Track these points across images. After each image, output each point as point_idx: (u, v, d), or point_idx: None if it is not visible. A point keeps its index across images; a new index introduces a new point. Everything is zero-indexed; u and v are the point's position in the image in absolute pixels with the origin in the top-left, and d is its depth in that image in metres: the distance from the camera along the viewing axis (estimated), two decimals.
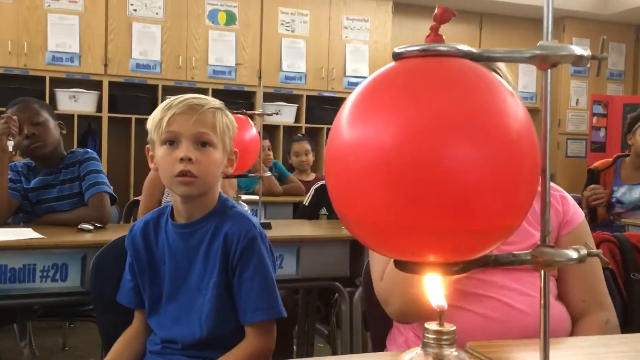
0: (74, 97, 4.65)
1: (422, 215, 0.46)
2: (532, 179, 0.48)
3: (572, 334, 1.18)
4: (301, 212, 2.81)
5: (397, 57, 0.51)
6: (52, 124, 2.30)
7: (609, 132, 6.13)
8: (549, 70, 0.53)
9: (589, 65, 0.58)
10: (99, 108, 4.70)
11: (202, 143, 1.29)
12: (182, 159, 1.25)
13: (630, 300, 1.55)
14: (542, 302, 0.51)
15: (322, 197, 2.72)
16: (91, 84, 4.69)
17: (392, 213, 0.47)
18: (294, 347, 2.54)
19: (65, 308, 2.31)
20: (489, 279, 1.15)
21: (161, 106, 1.32)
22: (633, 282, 1.56)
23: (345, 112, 0.51)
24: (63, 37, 4.61)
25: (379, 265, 1.21)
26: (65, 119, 4.75)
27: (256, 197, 2.41)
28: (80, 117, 4.65)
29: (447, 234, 0.46)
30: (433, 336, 0.54)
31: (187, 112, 1.27)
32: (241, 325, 1.29)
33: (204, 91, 4.60)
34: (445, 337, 0.54)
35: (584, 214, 1.29)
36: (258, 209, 2.39)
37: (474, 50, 0.51)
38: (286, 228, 2.36)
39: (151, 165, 1.34)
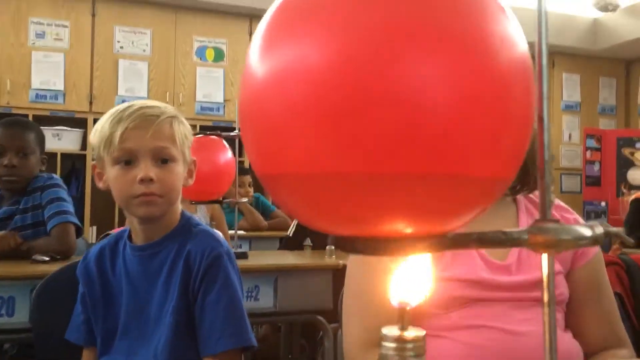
0: (58, 135, 4.54)
1: (371, 159, 0.32)
2: (523, 110, 0.34)
3: None
4: (285, 244, 2.67)
5: None
6: (37, 158, 2.20)
7: (603, 166, 6.03)
8: None
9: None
10: (84, 146, 4.58)
11: (163, 160, 1.15)
12: (142, 180, 1.12)
13: None
14: (544, 292, 0.36)
15: (306, 226, 2.58)
16: (76, 122, 4.60)
17: (329, 161, 0.33)
18: None
19: (29, 348, 2.12)
20: (488, 309, 0.98)
21: (107, 118, 1.16)
22: None
23: (255, 43, 0.38)
24: (47, 74, 4.54)
25: (359, 328, 1.01)
26: (49, 158, 4.68)
27: (240, 232, 2.27)
28: (63, 155, 4.53)
29: (406, 186, 0.32)
30: (393, 345, 0.36)
31: (141, 126, 1.13)
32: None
33: (192, 128, 4.49)
34: (409, 346, 0.38)
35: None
36: (239, 242, 2.25)
37: None
38: (263, 257, 2.19)
39: (99, 185, 1.21)
